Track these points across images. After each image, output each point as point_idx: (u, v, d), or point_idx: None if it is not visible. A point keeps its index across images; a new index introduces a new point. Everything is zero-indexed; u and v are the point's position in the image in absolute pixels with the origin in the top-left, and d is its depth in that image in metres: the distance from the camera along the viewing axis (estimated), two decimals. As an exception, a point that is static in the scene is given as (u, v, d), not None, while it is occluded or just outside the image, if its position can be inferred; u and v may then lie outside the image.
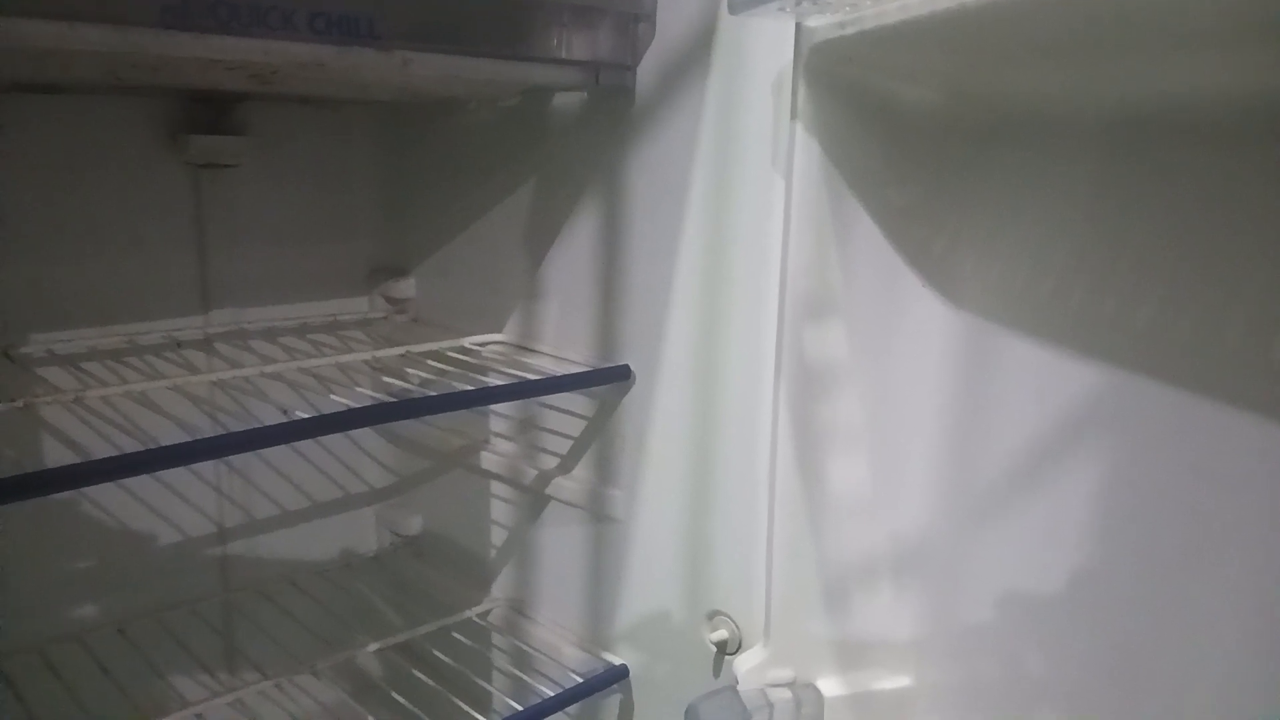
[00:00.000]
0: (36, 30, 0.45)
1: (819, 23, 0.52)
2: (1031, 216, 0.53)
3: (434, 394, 0.66)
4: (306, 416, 0.59)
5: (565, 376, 0.71)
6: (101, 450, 0.59)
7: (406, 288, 0.91)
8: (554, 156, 0.76)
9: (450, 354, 0.76)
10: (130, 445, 0.55)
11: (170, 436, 0.56)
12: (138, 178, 0.79)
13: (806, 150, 0.55)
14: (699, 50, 0.63)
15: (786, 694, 0.60)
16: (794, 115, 0.54)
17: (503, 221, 0.81)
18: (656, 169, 0.67)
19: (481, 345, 0.79)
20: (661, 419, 0.70)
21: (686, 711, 0.58)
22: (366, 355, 0.75)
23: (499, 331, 0.82)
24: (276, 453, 0.90)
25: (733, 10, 0.51)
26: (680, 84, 0.65)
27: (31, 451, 0.74)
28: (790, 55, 0.55)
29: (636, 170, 0.69)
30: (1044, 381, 0.53)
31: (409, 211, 0.91)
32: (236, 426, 0.58)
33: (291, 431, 0.60)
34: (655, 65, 0.66)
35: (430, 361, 0.73)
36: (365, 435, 0.98)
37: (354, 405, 0.62)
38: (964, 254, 0.55)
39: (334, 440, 0.94)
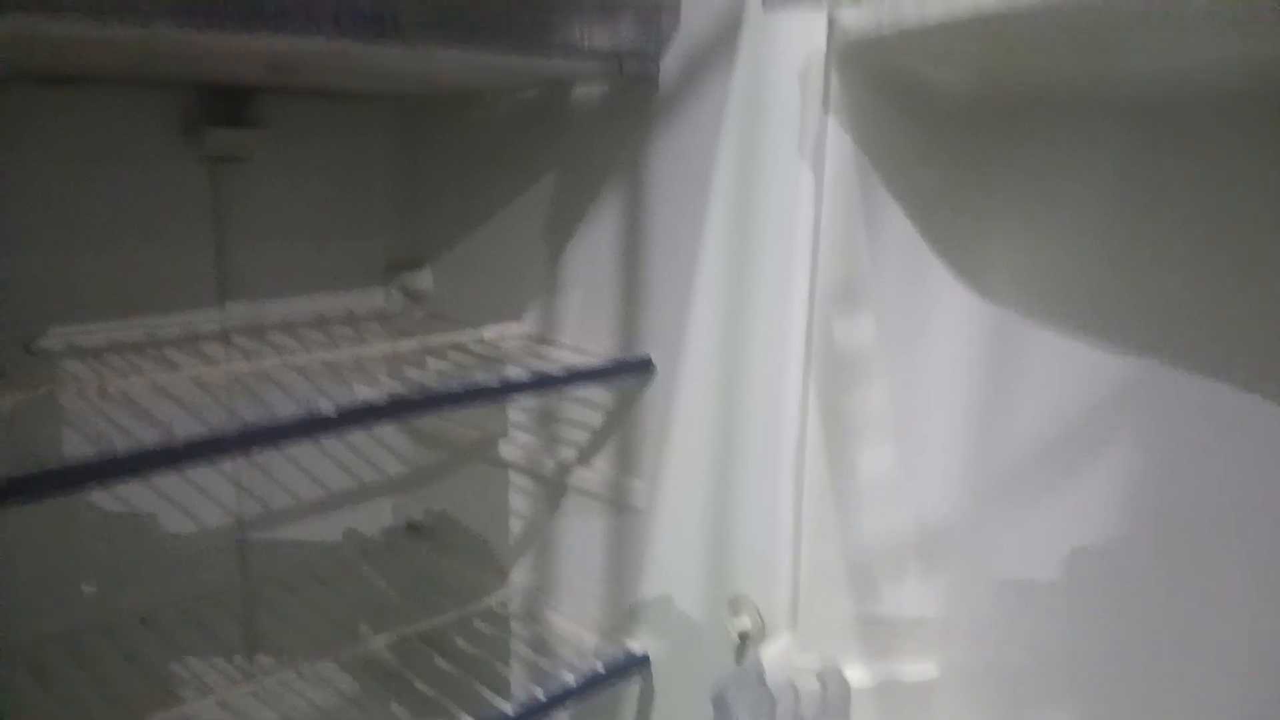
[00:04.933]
0: (64, 27, 0.45)
1: (856, 21, 0.52)
2: (1057, 199, 0.54)
3: (456, 389, 0.66)
4: (330, 415, 0.59)
5: (586, 370, 0.71)
6: (125, 443, 0.59)
7: (423, 280, 0.91)
8: (575, 147, 0.76)
9: (469, 345, 0.76)
10: (153, 438, 0.55)
11: (191, 429, 0.56)
12: (155, 171, 0.79)
13: (838, 141, 0.55)
14: (724, 39, 0.63)
15: (812, 678, 0.61)
16: (826, 109, 0.54)
17: (522, 213, 0.81)
18: (680, 159, 0.67)
19: (500, 337, 0.79)
20: (684, 409, 0.70)
21: (713, 697, 0.59)
22: (385, 348, 0.75)
23: (518, 322, 0.82)
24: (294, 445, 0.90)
25: (767, 8, 0.52)
26: (704, 73, 0.65)
27: (53, 444, 0.74)
28: (818, 43, 0.55)
29: (660, 160, 0.69)
30: (1068, 364, 0.53)
31: (426, 204, 0.91)
32: (257, 420, 0.58)
33: (315, 426, 0.60)
34: (679, 55, 0.66)
35: (450, 353, 0.73)
36: (383, 427, 0.98)
37: (376, 401, 0.62)
38: (991, 239, 0.56)
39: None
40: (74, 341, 0.75)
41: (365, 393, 0.64)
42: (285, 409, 0.61)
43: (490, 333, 0.79)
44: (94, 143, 0.75)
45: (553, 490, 0.83)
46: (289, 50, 0.52)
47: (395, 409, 0.63)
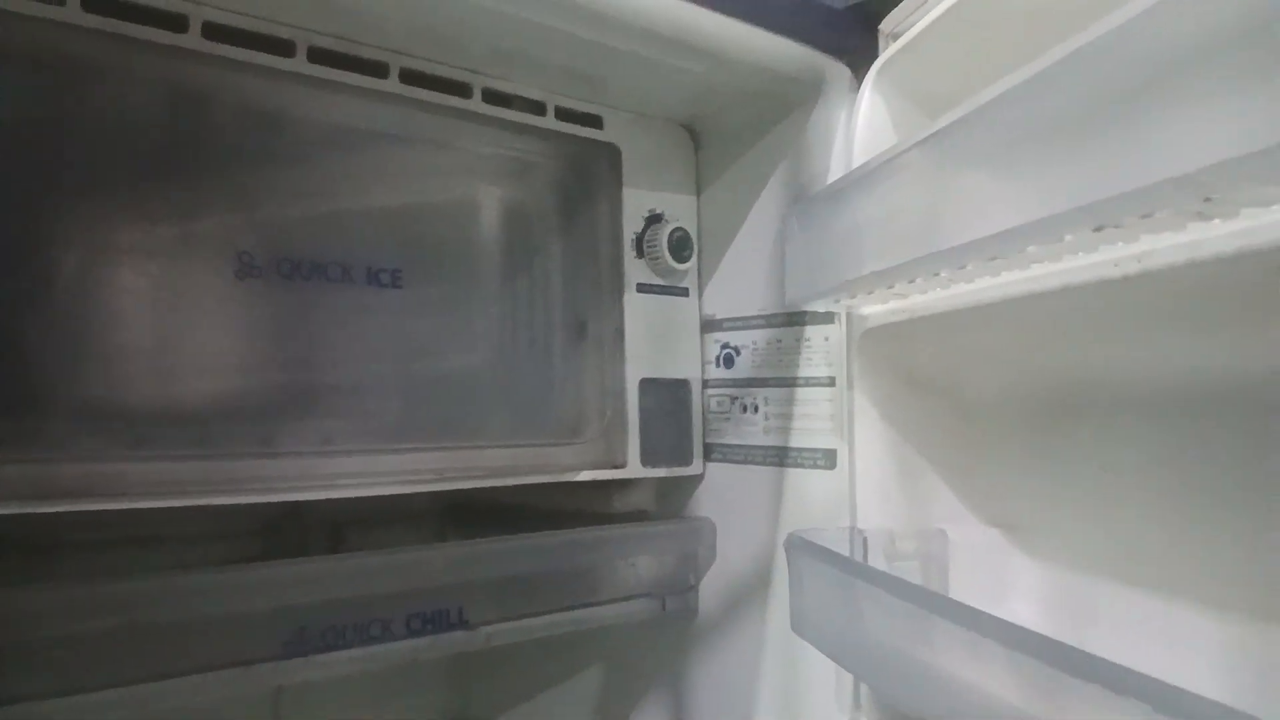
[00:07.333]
0: (173, 688, 0.52)
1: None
2: None
3: None
4: None
5: None
6: None
7: (479, 741, 0.93)
8: (616, 650, 0.80)
9: None
10: None
11: None
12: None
13: None
14: (759, 570, 0.68)
15: None
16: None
17: (572, 697, 0.84)
18: (721, 688, 0.70)
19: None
20: None
21: None
22: None
23: (573, 810, 0.82)
24: None
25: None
26: (741, 602, 0.70)
27: None
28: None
29: (702, 682, 0.72)
30: None
31: (486, 661, 0.95)
32: None
33: None
34: (717, 581, 0.71)
35: None
36: None
37: None
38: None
39: None
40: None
41: None
42: None
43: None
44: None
45: None
46: (366, 658, 0.58)
47: None
